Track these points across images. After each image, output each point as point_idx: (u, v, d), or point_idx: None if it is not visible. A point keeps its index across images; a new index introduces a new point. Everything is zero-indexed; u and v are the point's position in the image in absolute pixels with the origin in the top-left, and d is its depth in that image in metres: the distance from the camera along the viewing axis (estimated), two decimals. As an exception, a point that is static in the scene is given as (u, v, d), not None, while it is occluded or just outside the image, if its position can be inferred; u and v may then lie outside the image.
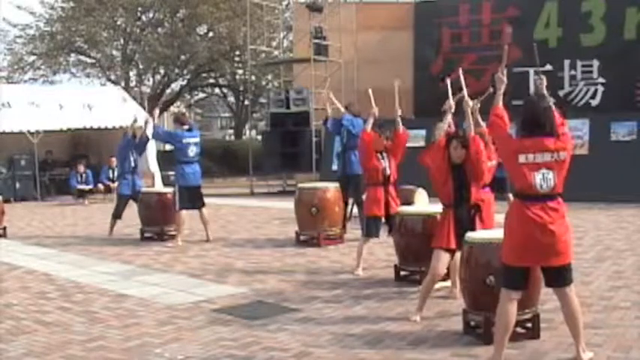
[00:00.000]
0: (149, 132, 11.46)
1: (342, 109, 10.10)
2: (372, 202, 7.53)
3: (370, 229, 7.51)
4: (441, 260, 5.68)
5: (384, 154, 7.58)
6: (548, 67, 16.31)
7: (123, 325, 5.78)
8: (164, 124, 30.50)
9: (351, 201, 10.23)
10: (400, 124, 7.50)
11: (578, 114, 15.12)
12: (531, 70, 16.40)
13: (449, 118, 6.17)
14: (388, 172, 7.55)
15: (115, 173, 16.20)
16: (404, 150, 7.62)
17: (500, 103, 4.69)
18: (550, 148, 4.32)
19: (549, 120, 4.37)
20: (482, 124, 5.94)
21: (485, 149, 5.69)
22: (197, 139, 10.19)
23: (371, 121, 7.72)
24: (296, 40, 20.58)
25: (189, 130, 10.14)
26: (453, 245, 5.64)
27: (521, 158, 4.32)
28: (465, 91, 5.88)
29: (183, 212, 9.97)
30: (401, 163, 7.72)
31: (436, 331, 5.30)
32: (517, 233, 4.35)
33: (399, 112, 7.48)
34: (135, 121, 11.61)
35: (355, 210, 10.48)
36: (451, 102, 6.19)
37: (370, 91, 8.05)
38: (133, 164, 11.35)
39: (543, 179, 4.29)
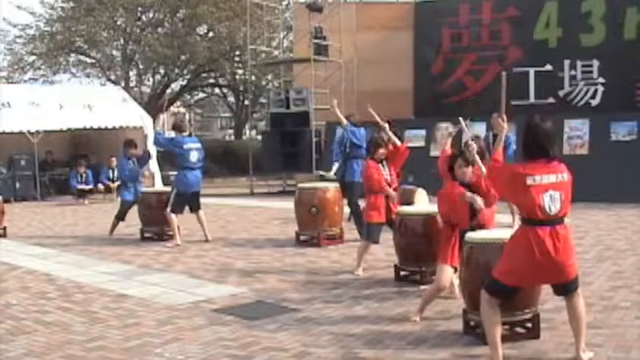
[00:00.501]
0: (149, 144, 11.50)
1: (345, 121, 10.09)
2: (372, 208, 7.53)
3: (371, 235, 7.53)
4: (445, 273, 5.67)
5: (384, 163, 7.60)
6: (548, 67, 16.34)
7: (123, 325, 5.78)
8: (164, 126, 30.54)
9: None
10: (393, 137, 7.58)
11: (578, 114, 15.14)
12: (531, 70, 16.44)
13: (449, 142, 6.13)
14: (388, 179, 7.57)
15: (115, 173, 16.26)
16: (403, 162, 7.68)
17: (500, 148, 4.74)
18: (554, 170, 4.33)
19: (551, 143, 4.38)
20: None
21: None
22: (198, 145, 10.21)
23: (389, 133, 7.76)
24: (296, 40, 20.58)
25: (189, 135, 10.15)
26: (456, 264, 5.61)
27: (529, 180, 4.28)
28: (503, 107, 5.62)
29: (173, 215, 9.96)
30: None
31: (436, 331, 5.30)
32: (522, 259, 4.30)
33: (387, 127, 7.57)
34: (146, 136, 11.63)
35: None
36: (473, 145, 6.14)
37: (370, 109, 8.13)
38: (134, 174, 11.38)
39: (551, 200, 4.27)
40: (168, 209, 9.95)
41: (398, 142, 7.69)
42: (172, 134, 10.51)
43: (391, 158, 7.65)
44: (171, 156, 11.05)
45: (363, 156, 9.13)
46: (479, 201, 5.43)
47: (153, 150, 18.71)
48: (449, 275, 5.71)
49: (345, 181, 9.95)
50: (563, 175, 4.36)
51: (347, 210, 10.18)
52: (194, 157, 10.01)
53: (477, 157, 5.26)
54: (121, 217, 11.22)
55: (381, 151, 7.58)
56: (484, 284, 4.51)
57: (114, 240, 10.73)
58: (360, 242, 8.03)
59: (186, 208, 10.20)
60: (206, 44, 27.97)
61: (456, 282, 5.95)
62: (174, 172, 11.21)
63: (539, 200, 4.26)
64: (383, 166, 7.59)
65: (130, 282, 7.58)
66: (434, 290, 5.71)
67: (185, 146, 9.98)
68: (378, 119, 7.95)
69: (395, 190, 7.73)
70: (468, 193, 5.45)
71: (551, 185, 4.29)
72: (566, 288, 4.45)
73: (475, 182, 5.55)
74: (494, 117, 4.92)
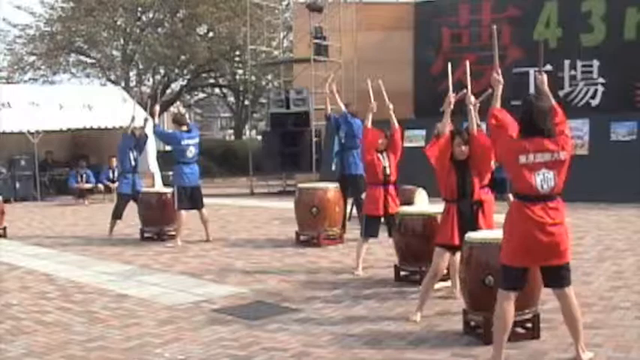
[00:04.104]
0: (149, 130, 11.47)
1: (343, 107, 10.08)
2: (370, 201, 7.54)
3: (369, 229, 7.52)
4: (442, 258, 5.69)
5: (384, 153, 7.59)
6: (548, 67, 16.32)
7: (123, 325, 5.78)
8: (164, 125, 30.53)
9: (350, 201, 10.23)
10: (394, 118, 7.51)
11: (578, 114, 15.11)
12: (531, 70, 16.43)
13: (448, 118, 6.16)
14: (388, 171, 7.55)
15: (116, 173, 16.24)
16: (401, 145, 7.63)
17: (498, 104, 4.69)
18: (549, 149, 4.33)
19: (546, 121, 4.37)
20: (481, 124, 5.93)
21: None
22: (196, 140, 10.20)
23: (370, 116, 7.70)
24: (296, 40, 20.58)
25: (189, 130, 10.15)
26: (456, 241, 5.61)
27: (522, 159, 4.32)
28: (469, 88, 5.83)
29: (183, 213, 9.97)
30: (401, 164, 7.72)
31: (436, 331, 5.30)
32: (517, 233, 4.35)
33: (392, 107, 7.47)
34: (132, 119, 11.57)
35: (355, 210, 10.47)
36: (451, 97, 6.16)
37: (369, 83, 7.93)
38: (133, 163, 11.31)
39: (544, 179, 4.29)
40: (176, 207, 9.96)
41: (396, 125, 7.57)
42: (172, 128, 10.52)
43: (390, 145, 7.61)
44: (171, 156, 11.03)
45: (359, 146, 9.05)
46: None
47: (153, 150, 18.83)
48: (444, 260, 5.72)
49: (345, 174, 9.89)
50: (559, 154, 4.34)
51: (348, 209, 10.17)
52: (191, 152, 10.02)
53: (476, 115, 5.51)
54: (118, 214, 11.15)
55: (381, 141, 7.56)
56: (500, 278, 4.50)
57: (114, 240, 10.72)
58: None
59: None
60: (206, 44, 27.97)
61: (457, 282, 5.96)
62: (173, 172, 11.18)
63: (531, 179, 4.29)
64: (383, 157, 7.58)
65: (130, 282, 7.58)
66: (430, 278, 5.71)
67: (183, 142, 9.99)
68: (372, 98, 7.76)
69: (394, 184, 7.70)
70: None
71: (544, 164, 4.30)
72: (560, 275, 4.42)
73: (477, 154, 5.65)
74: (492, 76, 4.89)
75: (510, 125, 4.54)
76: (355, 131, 9.72)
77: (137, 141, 11.43)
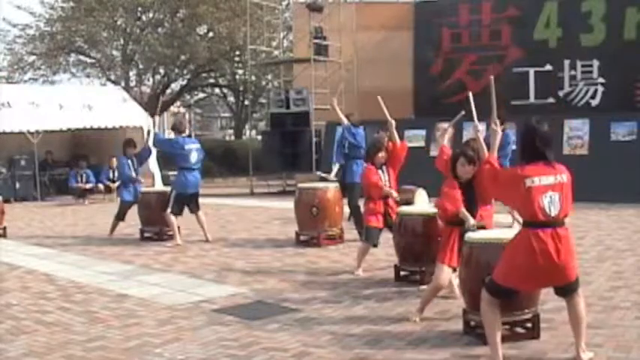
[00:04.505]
0: (151, 143, 11.49)
1: (345, 121, 10.08)
2: (370, 213, 7.51)
3: (370, 238, 7.53)
4: (444, 272, 5.66)
5: (384, 168, 7.57)
6: (548, 67, 16.35)
7: (123, 325, 5.78)
8: (164, 125, 30.53)
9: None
10: (396, 135, 7.50)
11: (578, 114, 15.14)
12: (531, 70, 16.45)
13: (446, 139, 6.16)
14: (388, 185, 7.54)
15: (116, 173, 16.25)
16: (402, 161, 7.61)
17: (495, 153, 4.75)
18: (552, 172, 4.33)
19: (548, 145, 4.38)
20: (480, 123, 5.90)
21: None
22: (198, 145, 10.23)
23: (394, 131, 7.56)
24: (296, 40, 20.60)
25: (189, 136, 10.15)
26: (454, 264, 5.61)
27: (528, 182, 4.27)
28: (475, 122, 5.61)
29: (172, 216, 9.96)
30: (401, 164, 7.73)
31: (436, 331, 5.30)
32: (523, 263, 4.29)
33: (394, 124, 7.47)
34: (149, 133, 11.60)
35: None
36: (446, 126, 6.18)
37: (380, 99, 7.80)
38: (134, 174, 11.36)
39: (551, 202, 4.26)
40: (168, 210, 9.95)
41: (398, 141, 7.62)
42: (172, 135, 10.53)
43: (390, 159, 7.59)
44: (171, 157, 11.05)
45: (362, 156, 9.09)
46: (471, 221, 5.48)
47: (153, 149, 18.83)
48: (447, 274, 5.70)
49: (345, 182, 9.94)
50: (562, 177, 4.35)
51: (347, 210, 10.18)
52: (194, 157, 10.02)
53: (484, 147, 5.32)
54: (120, 217, 11.21)
55: (381, 154, 7.53)
56: (484, 284, 4.51)
57: (114, 240, 10.72)
58: (360, 243, 8.04)
59: (186, 209, 10.19)
60: (206, 44, 27.97)
61: (456, 282, 5.95)
62: (174, 173, 11.20)
63: (540, 202, 4.25)
64: (382, 171, 7.56)
65: (130, 282, 7.58)
66: (432, 289, 5.70)
67: (186, 147, 10.00)
68: (385, 111, 7.76)
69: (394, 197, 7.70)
70: (463, 210, 5.52)
71: (550, 187, 4.29)
72: (567, 289, 4.46)
73: (476, 178, 5.55)
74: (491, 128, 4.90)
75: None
76: (359, 141, 9.81)
77: (140, 153, 11.51)
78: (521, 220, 4.55)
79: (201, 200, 10.36)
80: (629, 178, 13.18)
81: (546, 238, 4.23)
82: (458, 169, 5.61)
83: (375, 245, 7.61)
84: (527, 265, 4.27)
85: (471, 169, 5.55)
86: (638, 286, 6.49)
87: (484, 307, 4.45)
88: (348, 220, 10.32)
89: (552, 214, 4.27)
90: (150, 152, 11.86)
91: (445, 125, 6.23)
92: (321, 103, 17.12)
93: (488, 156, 4.71)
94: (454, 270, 5.74)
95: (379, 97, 7.82)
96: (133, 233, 11.02)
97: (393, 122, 7.54)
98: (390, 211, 7.54)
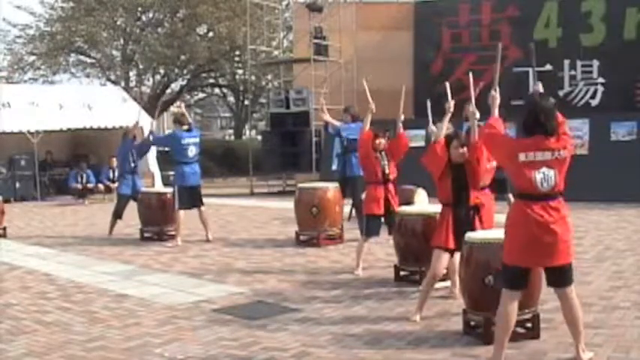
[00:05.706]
0: (151, 138, 11.50)
1: (336, 123, 10.03)
2: (371, 200, 7.53)
3: (370, 229, 7.51)
4: (441, 260, 5.68)
5: (383, 154, 7.58)
6: (548, 67, 16.33)
7: (123, 325, 5.78)
8: (164, 124, 30.53)
9: (350, 202, 10.23)
10: (401, 128, 7.49)
11: (578, 114, 15.12)
12: (531, 71, 16.43)
13: (447, 119, 6.19)
14: (387, 169, 7.54)
15: (116, 173, 16.24)
16: (403, 154, 7.60)
17: (496, 114, 4.74)
18: (551, 147, 4.33)
19: (550, 120, 4.37)
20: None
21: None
22: (197, 139, 10.21)
23: (369, 118, 7.68)
24: (296, 40, 20.59)
25: (189, 130, 10.15)
26: (451, 245, 5.64)
27: (521, 157, 4.32)
28: (472, 100, 5.75)
29: (182, 212, 9.98)
30: (401, 163, 7.71)
31: (436, 331, 5.30)
32: (519, 233, 4.34)
33: (402, 118, 7.47)
34: (137, 124, 11.64)
35: (354, 211, 10.47)
36: (451, 104, 6.20)
37: (365, 84, 7.92)
38: (132, 165, 11.34)
39: (544, 178, 4.29)
40: (176, 207, 9.96)
41: (402, 131, 7.58)
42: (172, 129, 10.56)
43: (391, 148, 7.59)
44: (171, 156, 11.04)
45: None
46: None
47: (153, 150, 18.80)
48: (442, 262, 5.72)
49: (346, 176, 9.90)
50: (560, 152, 4.34)
51: (346, 210, 10.18)
52: (191, 152, 10.03)
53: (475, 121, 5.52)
54: (118, 214, 11.19)
55: (378, 141, 7.55)
56: (495, 280, 4.51)
57: (114, 240, 10.72)
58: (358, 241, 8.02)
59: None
60: (206, 44, 27.99)
61: (456, 282, 5.95)
62: (173, 172, 11.19)
63: (531, 177, 4.29)
64: (382, 155, 7.58)
65: (130, 282, 7.58)
66: (429, 280, 5.72)
67: (184, 141, 9.99)
68: (370, 99, 7.75)
69: (394, 183, 7.70)
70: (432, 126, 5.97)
71: (545, 162, 4.30)
72: (562, 275, 4.42)
73: (469, 160, 5.66)
74: (466, 108, 4.96)
75: (503, 132, 4.62)
76: (356, 134, 9.73)
77: (139, 146, 11.48)
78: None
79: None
80: (629, 178, 13.17)
81: (537, 209, 4.27)
82: (451, 152, 5.71)
83: (376, 234, 7.58)
84: (523, 235, 4.30)
85: (464, 152, 5.67)
86: (637, 286, 6.49)
87: (505, 303, 4.39)
88: (348, 220, 10.32)
89: (543, 190, 4.29)
90: (149, 147, 11.85)
91: (434, 128, 6.24)
92: (320, 114, 17.10)
93: (489, 119, 4.70)
94: (452, 254, 5.75)
95: (364, 80, 7.95)
96: (133, 233, 11.02)
97: (373, 107, 7.65)
98: (390, 196, 7.55)
